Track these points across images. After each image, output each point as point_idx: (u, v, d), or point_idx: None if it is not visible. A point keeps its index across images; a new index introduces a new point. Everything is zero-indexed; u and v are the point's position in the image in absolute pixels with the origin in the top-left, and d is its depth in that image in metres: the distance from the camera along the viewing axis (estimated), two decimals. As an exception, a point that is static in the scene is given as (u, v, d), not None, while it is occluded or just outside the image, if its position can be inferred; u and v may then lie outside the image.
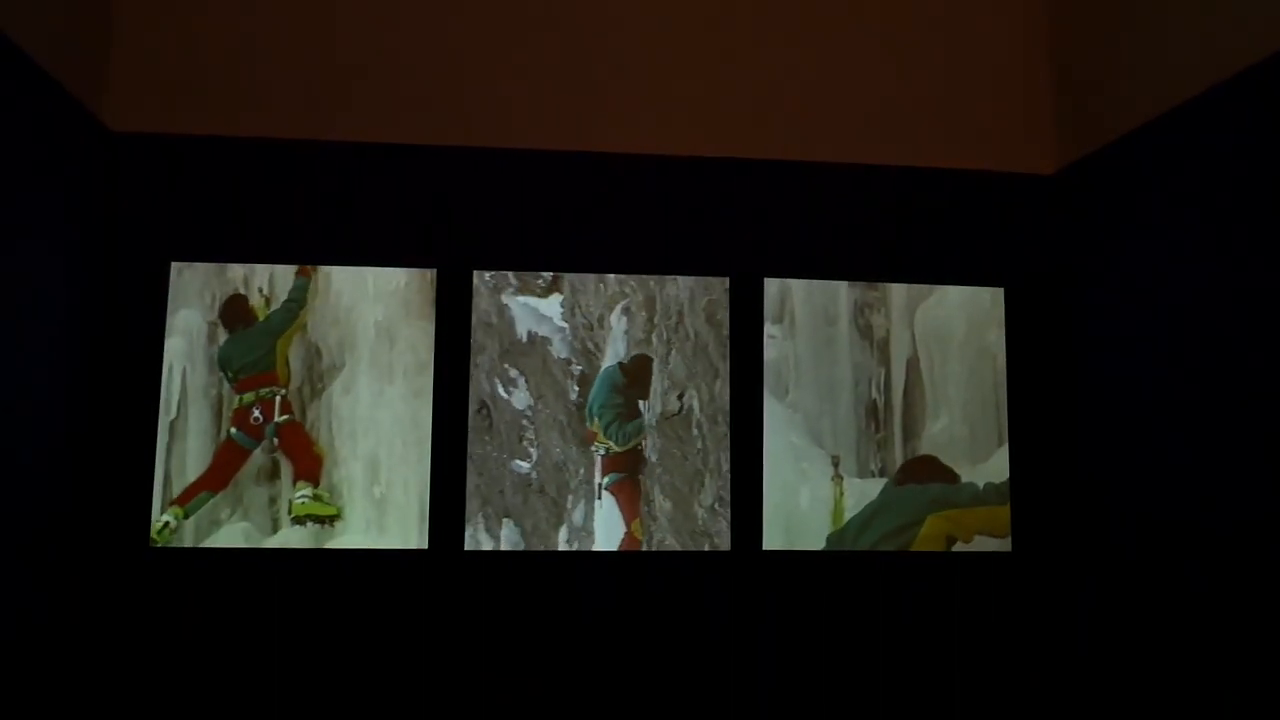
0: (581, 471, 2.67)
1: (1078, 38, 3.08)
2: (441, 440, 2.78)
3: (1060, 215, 3.11)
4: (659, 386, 2.72)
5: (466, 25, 2.99)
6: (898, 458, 2.96)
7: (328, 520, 2.72)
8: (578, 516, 2.66)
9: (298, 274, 2.79)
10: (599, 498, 2.67)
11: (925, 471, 2.97)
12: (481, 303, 2.59)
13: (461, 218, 2.92)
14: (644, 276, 2.86)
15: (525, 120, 2.97)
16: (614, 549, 2.73)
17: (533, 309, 2.64)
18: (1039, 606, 2.97)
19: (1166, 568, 2.57)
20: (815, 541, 2.90)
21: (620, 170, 2.99)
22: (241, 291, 2.76)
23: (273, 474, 2.71)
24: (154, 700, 2.66)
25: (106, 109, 2.80)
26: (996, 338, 3.04)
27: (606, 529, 2.66)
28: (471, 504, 2.59)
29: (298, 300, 2.78)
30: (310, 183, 2.88)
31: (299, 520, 2.71)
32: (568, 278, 2.71)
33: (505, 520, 2.61)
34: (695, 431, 2.78)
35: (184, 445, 2.67)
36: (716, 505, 2.66)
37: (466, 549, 2.77)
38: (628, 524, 2.68)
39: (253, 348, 2.75)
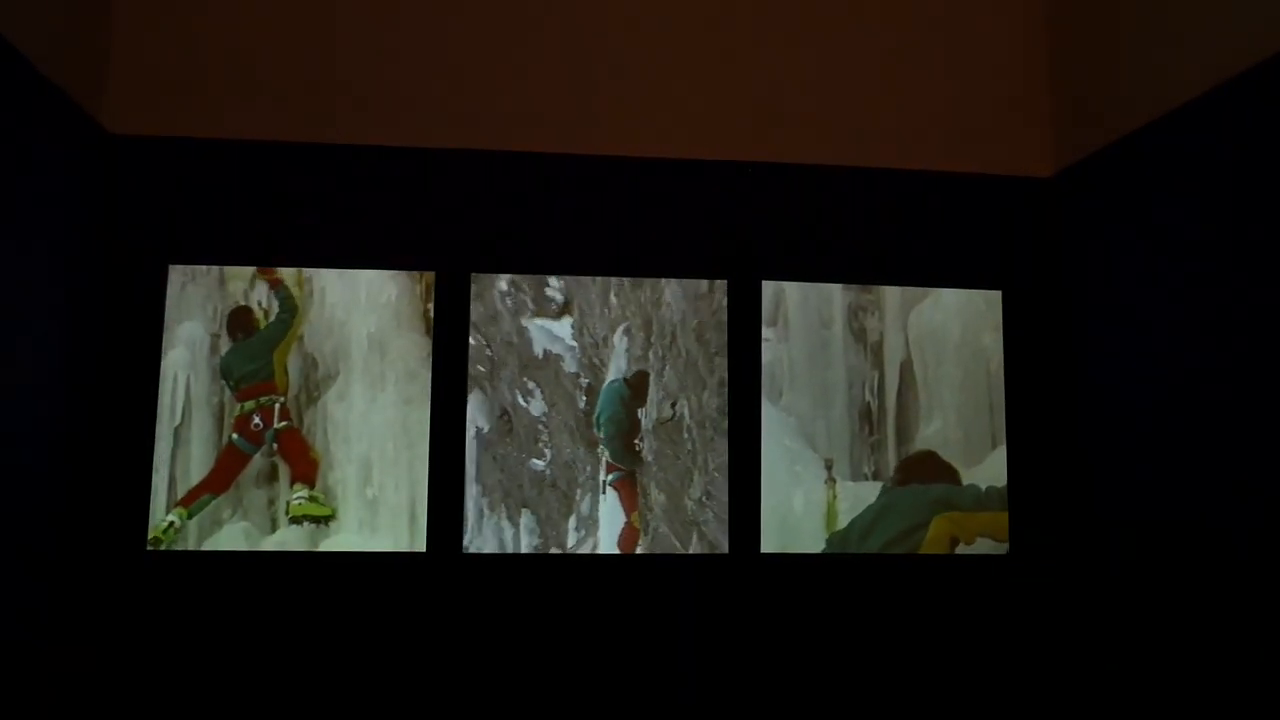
0: (588, 469, 2.93)
1: (1076, 40, 3.07)
2: (440, 442, 2.83)
3: (1059, 218, 3.10)
4: (655, 396, 2.97)
5: (466, 29, 3.00)
6: (891, 461, 2.98)
7: (323, 520, 2.81)
8: (585, 507, 2.90)
9: (270, 287, 2.86)
10: (603, 492, 2.91)
11: (926, 470, 2.97)
12: (504, 325, 2.92)
13: (460, 220, 2.94)
14: (642, 300, 2.97)
15: (523, 123, 2.98)
16: (615, 538, 2.90)
17: (548, 330, 2.94)
18: (1036, 608, 2.97)
19: (1164, 571, 2.57)
20: (812, 544, 2.91)
21: (618, 173, 3.00)
22: (244, 304, 2.86)
23: (272, 477, 2.81)
24: (153, 701, 2.69)
25: (105, 111, 2.81)
26: (991, 341, 3.04)
27: (609, 518, 2.91)
28: (494, 496, 2.87)
29: (288, 310, 2.87)
30: (309, 185, 2.90)
31: (296, 520, 2.80)
32: (577, 301, 2.96)
33: (524, 510, 2.88)
34: (686, 435, 2.96)
35: (188, 450, 2.80)
36: (704, 498, 2.93)
37: (467, 550, 2.82)
38: (628, 515, 2.91)
39: (252, 358, 2.85)
